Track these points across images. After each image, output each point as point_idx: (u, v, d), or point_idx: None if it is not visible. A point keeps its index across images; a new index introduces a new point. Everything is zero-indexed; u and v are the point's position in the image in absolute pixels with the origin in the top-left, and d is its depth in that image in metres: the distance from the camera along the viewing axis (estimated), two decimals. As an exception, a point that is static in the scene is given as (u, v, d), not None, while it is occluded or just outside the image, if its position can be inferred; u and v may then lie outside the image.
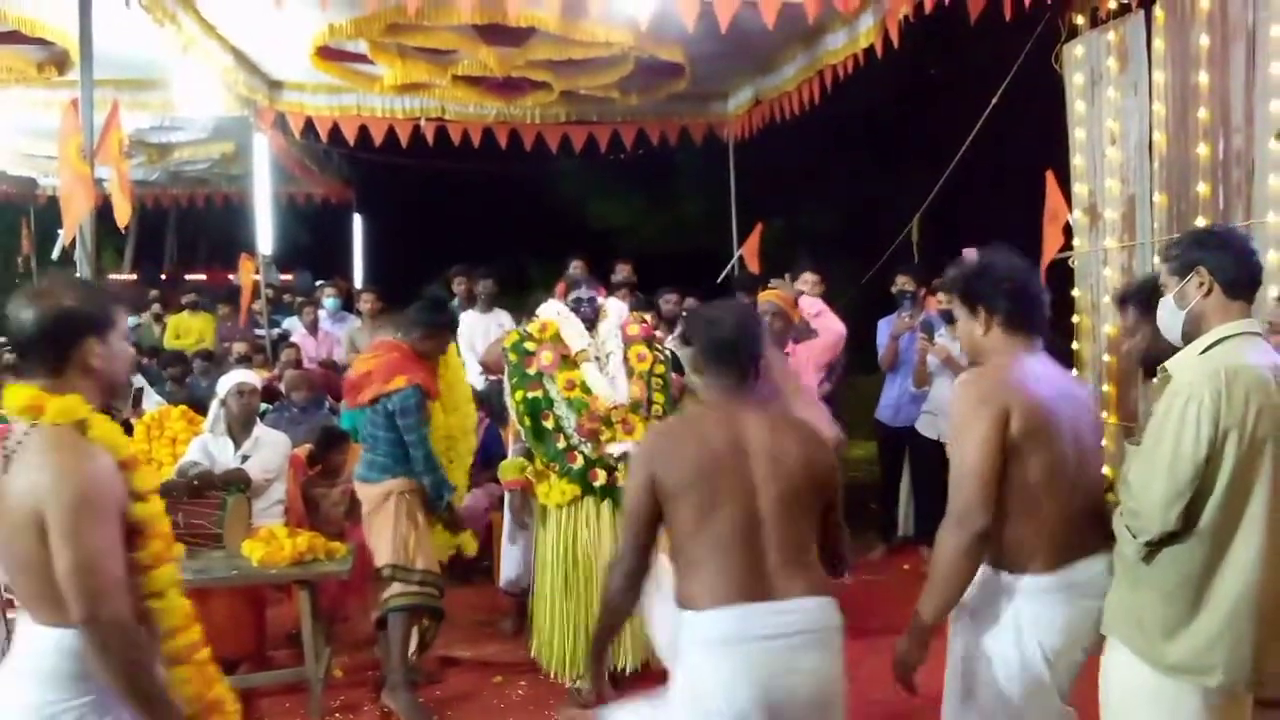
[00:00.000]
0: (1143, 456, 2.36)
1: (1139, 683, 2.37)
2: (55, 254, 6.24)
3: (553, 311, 4.45)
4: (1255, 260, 2.43)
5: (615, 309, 4.55)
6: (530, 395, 4.23)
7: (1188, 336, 2.43)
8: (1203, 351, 2.36)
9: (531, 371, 4.26)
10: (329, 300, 8.68)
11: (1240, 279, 2.38)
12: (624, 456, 4.17)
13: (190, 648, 2.22)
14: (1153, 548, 2.35)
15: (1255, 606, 2.27)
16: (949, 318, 5.72)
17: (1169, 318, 2.48)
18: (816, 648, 2.36)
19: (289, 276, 14.25)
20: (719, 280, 8.69)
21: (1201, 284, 2.38)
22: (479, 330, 7.05)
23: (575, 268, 7.07)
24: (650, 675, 4.41)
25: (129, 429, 5.16)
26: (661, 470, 2.40)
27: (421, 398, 4.21)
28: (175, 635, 2.19)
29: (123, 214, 4.87)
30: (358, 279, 12.42)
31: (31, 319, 2.08)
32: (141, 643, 2.06)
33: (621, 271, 7.62)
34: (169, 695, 2.10)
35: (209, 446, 4.71)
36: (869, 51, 6.15)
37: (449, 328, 4.62)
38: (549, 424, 4.22)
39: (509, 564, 5.10)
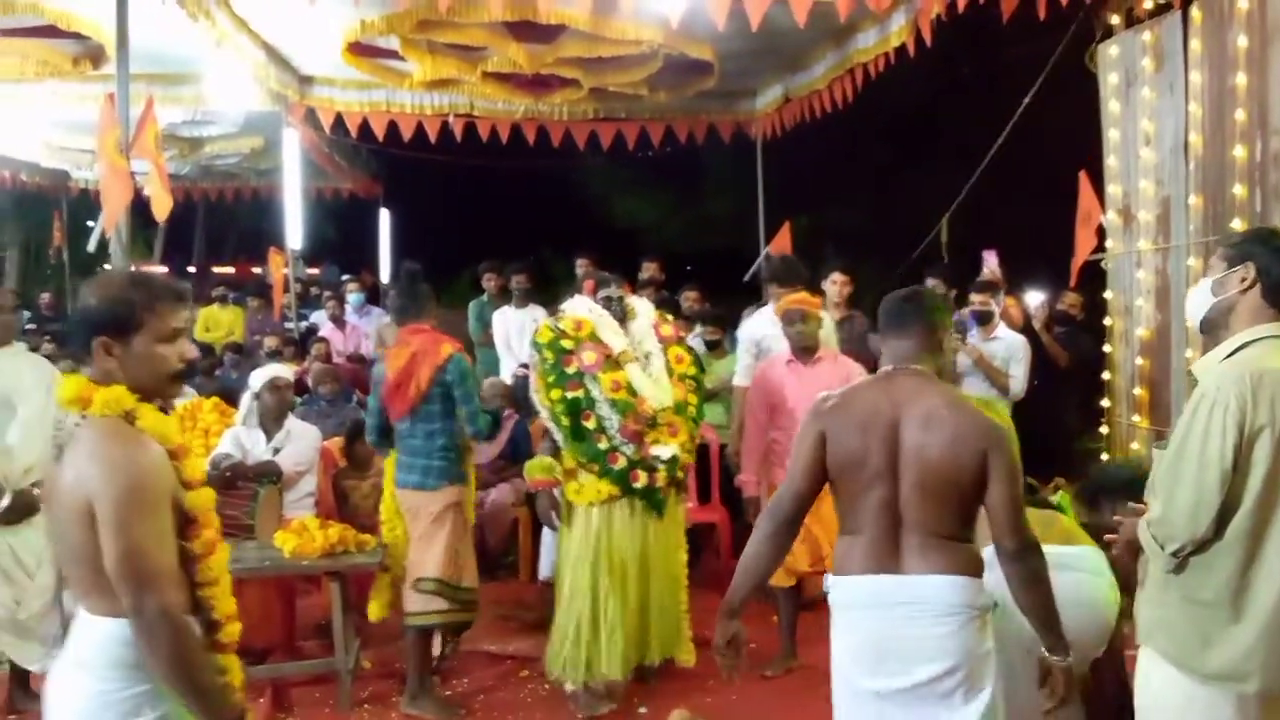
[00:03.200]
0: (1167, 463, 2.32)
1: (1172, 690, 2.35)
2: (91, 246, 6.33)
3: (584, 309, 4.37)
4: None
5: (643, 309, 4.52)
6: (570, 395, 4.13)
7: (1208, 323, 2.41)
8: (1228, 356, 2.32)
9: (570, 370, 4.16)
10: (353, 295, 8.74)
11: None
12: (671, 460, 4.18)
13: (233, 639, 2.20)
14: (1182, 556, 2.31)
15: None
16: (980, 318, 5.69)
17: (1198, 299, 2.44)
18: (931, 620, 2.47)
19: (316, 270, 14.35)
20: (745, 278, 8.67)
21: (1244, 279, 2.34)
22: (514, 325, 7.06)
23: (581, 266, 7.13)
24: (674, 672, 4.43)
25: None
26: (831, 436, 2.54)
27: (470, 363, 4.34)
28: (224, 625, 2.17)
29: (162, 207, 4.91)
30: (384, 273, 12.48)
31: (76, 308, 2.10)
32: (191, 633, 2.03)
33: (648, 270, 7.64)
34: (220, 685, 2.09)
35: (241, 439, 4.76)
36: (901, 50, 6.11)
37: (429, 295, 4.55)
38: (590, 424, 4.13)
39: (548, 556, 5.10)
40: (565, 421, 4.14)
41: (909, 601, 2.48)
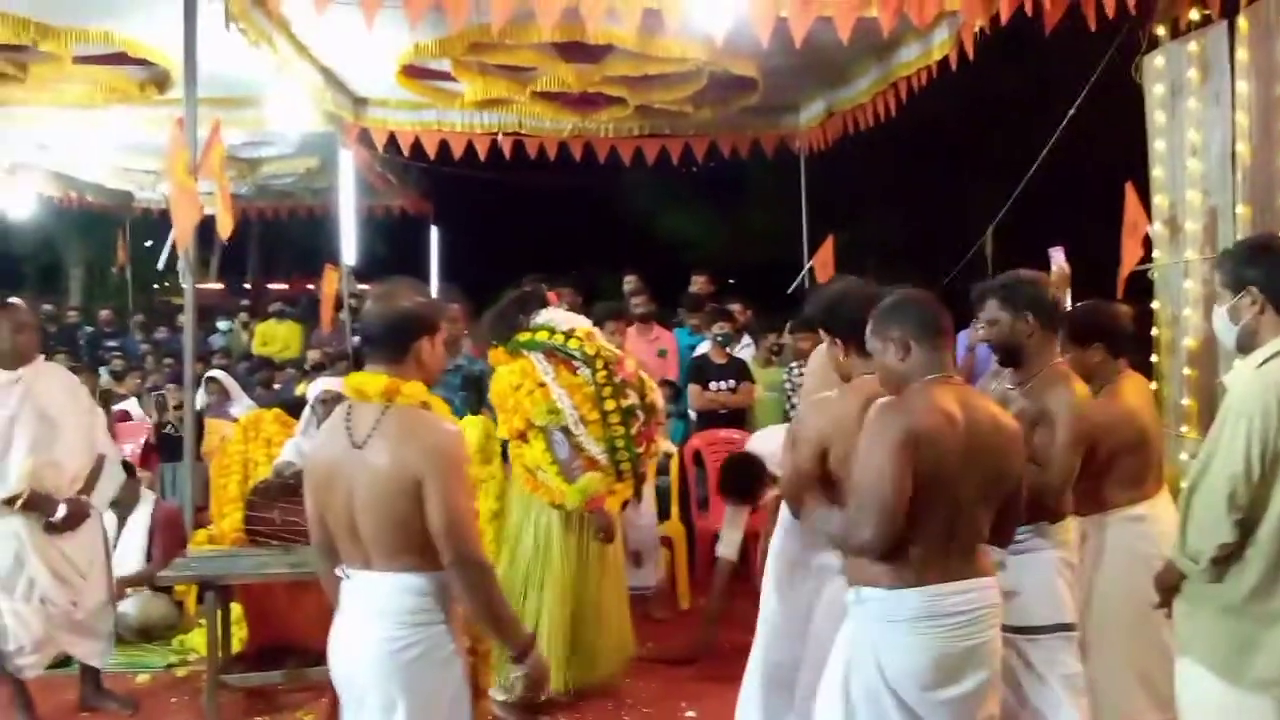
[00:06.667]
0: (1193, 478, 2.41)
1: (1212, 698, 2.41)
2: (161, 264, 6.64)
3: (568, 319, 4.35)
4: None
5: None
6: (625, 404, 4.18)
7: (1242, 348, 2.49)
8: (1259, 365, 2.40)
9: (618, 380, 4.20)
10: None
11: None
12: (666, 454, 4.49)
13: None
14: (1216, 565, 2.38)
15: None
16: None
17: (1223, 331, 2.55)
18: (983, 626, 2.47)
19: (367, 286, 14.64)
20: (789, 291, 8.74)
21: (1254, 303, 2.43)
22: None
23: (629, 282, 7.32)
24: (660, 674, 4.56)
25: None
26: (919, 455, 2.39)
27: None
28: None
29: (225, 227, 5.11)
30: (434, 289, 12.71)
31: (382, 315, 2.48)
32: (495, 575, 2.47)
33: (697, 283, 7.77)
34: (514, 613, 2.57)
35: (302, 448, 4.92)
36: (943, 63, 6.16)
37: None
38: (633, 430, 4.20)
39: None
40: (620, 431, 4.14)
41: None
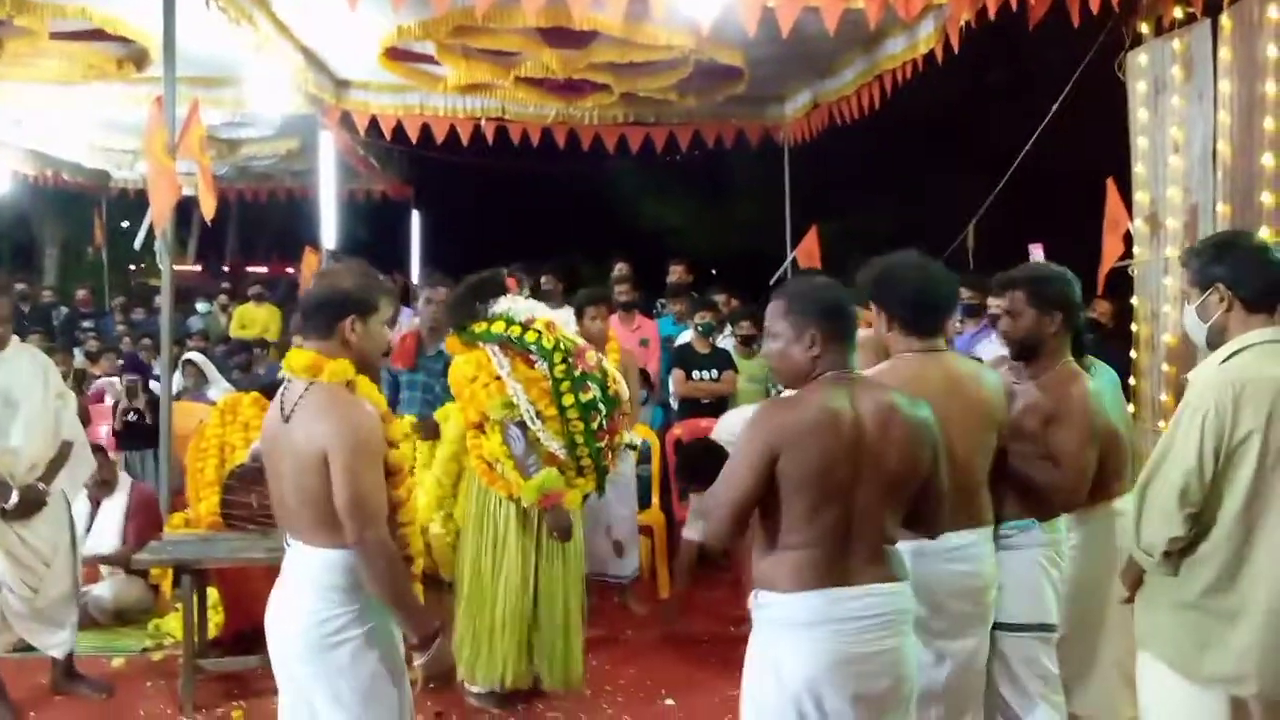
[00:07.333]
0: (1148, 471, 2.43)
1: (1170, 693, 2.43)
2: (137, 244, 6.58)
3: (528, 308, 4.17)
4: (1274, 272, 2.46)
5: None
6: (584, 399, 4.00)
7: (1212, 345, 2.50)
8: (1223, 361, 2.41)
9: (578, 374, 4.02)
10: (385, 294, 8.86)
11: (1259, 294, 2.44)
12: (630, 445, 4.42)
13: (419, 571, 2.66)
14: (1171, 559, 2.40)
15: None
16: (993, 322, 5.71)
17: (1193, 328, 2.55)
18: (889, 631, 2.36)
19: (347, 270, 14.53)
20: (772, 281, 8.75)
21: (1221, 299, 2.45)
22: None
23: (619, 269, 7.24)
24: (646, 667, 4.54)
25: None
26: (786, 454, 2.32)
27: None
28: (415, 559, 2.63)
29: (208, 207, 5.05)
30: (414, 274, 12.65)
31: (314, 292, 2.54)
32: (399, 560, 2.47)
33: (675, 272, 7.72)
34: (419, 602, 2.56)
35: (280, 432, 4.89)
36: (929, 57, 6.16)
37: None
38: (594, 425, 4.05)
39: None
40: (579, 426, 4.01)
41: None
